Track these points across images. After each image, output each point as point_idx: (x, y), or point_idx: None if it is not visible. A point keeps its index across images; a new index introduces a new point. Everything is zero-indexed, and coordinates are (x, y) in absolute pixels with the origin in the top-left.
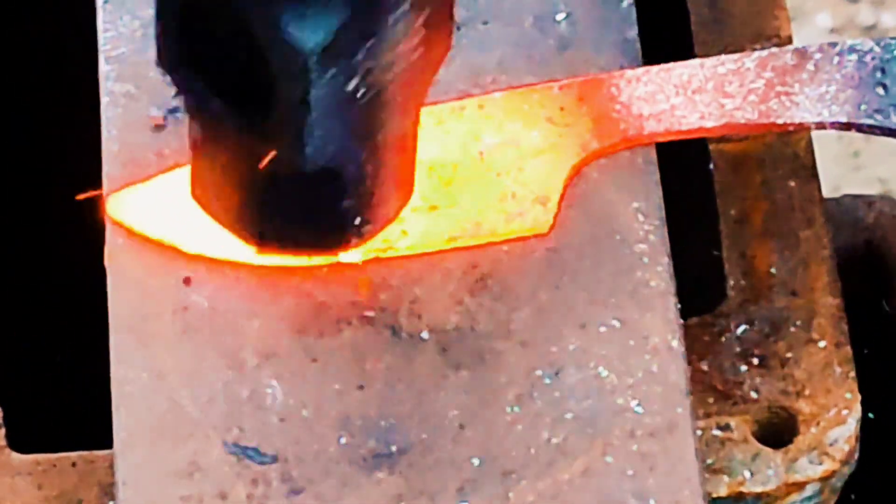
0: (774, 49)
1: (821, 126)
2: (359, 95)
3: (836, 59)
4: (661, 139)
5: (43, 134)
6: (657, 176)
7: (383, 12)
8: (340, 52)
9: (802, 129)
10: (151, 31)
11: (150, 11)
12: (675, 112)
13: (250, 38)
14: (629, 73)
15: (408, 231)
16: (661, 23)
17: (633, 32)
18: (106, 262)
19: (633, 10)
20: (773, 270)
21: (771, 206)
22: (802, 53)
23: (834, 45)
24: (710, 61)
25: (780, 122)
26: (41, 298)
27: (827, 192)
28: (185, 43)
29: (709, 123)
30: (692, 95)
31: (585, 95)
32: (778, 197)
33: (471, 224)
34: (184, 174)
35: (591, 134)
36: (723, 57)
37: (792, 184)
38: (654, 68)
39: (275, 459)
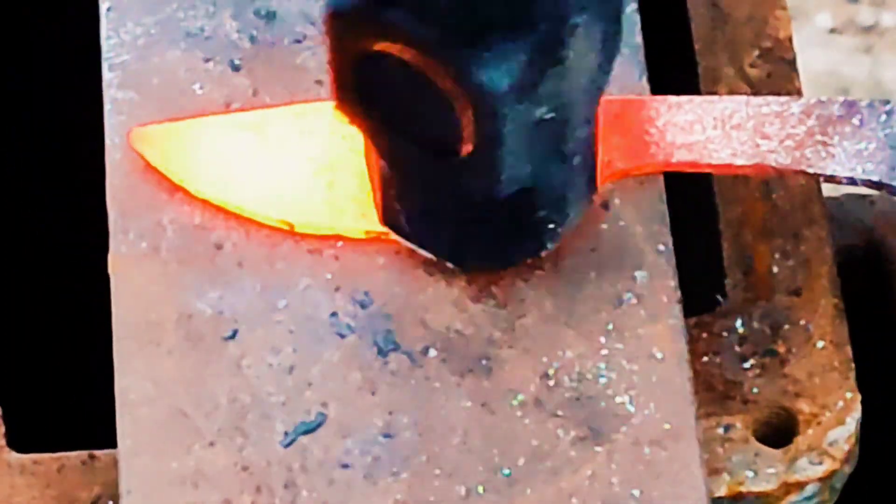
0: (823, 98)
1: (851, 182)
2: (547, 118)
3: (884, 116)
4: (686, 169)
5: (46, 141)
6: (661, 183)
7: (563, 42)
8: (527, 87)
9: (832, 181)
10: (154, 38)
11: (152, 18)
12: (708, 145)
13: (431, 84)
14: (672, 98)
15: None
16: (660, 23)
17: (637, 38)
18: (110, 270)
19: (638, 16)
20: (773, 270)
21: (771, 206)
22: (850, 106)
23: (886, 102)
24: (755, 100)
25: (811, 170)
26: (42, 300)
27: (827, 192)
28: (364, 90)
29: (739, 161)
30: (730, 130)
31: (623, 115)
32: (778, 197)
33: None
34: (210, 122)
35: (618, 153)
36: (769, 98)
37: (792, 184)
38: (698, 98)
39: (321, 423)
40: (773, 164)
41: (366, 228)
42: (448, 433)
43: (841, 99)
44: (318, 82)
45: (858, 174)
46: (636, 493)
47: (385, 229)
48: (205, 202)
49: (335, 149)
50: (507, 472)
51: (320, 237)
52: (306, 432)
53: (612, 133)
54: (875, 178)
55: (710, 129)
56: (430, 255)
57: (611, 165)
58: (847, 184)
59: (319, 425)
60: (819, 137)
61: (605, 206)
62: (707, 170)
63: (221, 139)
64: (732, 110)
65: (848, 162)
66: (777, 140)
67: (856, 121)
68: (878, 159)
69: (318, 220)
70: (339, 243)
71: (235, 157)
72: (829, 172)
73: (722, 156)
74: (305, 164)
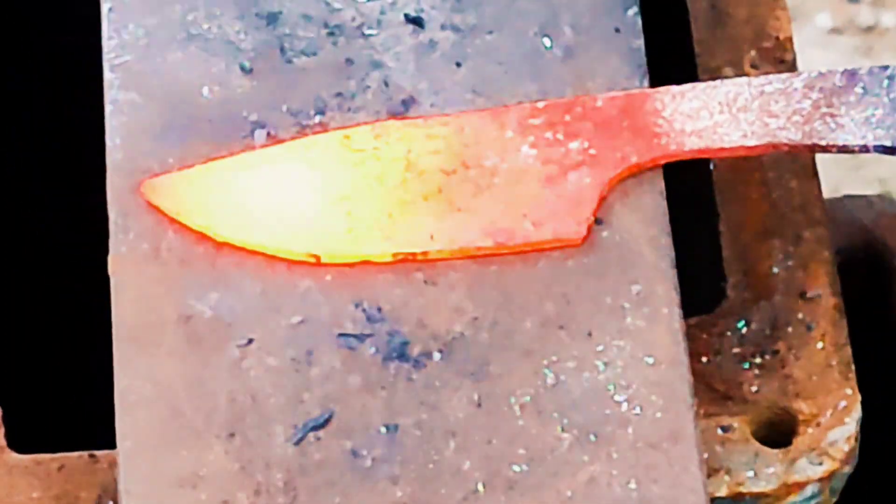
0: (824, 70)
1: (864, 149)
2: None
3: (886, 82)
4: (701, 156)
5: (46, 141)
6: (662, 186)
7: None
8: None
9: (845, 151)
10: (156, 39)
11: (154, 19)
12: (717, 129)
13: None
14: (675, 88)
15: (438, 236)
16: (660, 23)
17: (639, 42)
18: (110, 271)
19: (639, 20)
20: (773, 270)
21: (771, 206)
22: (851, 75)
23: (885, 68)
24: (757, 80)
25: (822, 143)
26: (42, 300)
27: (827, 192)
28: None
29: (750, 142)
30: (737, 113)
31: (629, 109)
32: (778, 197)
33: (504, 231)
34: (220, 165)
35: (631, 147)
36: (771, 76)
37: (792, 184)
38: (701, 84)
39: (330, 418)
40: (784, 140)
41: (392, 251)
42: (448, 435)
43: (841, 69)
44: (320, 93)
45: (870, 141)
46: (635, 494)
47: (413, 250)
48: (229, 245)
49: (348, 177)
50: (506, 473)
51: (348, 265)
52: (315, 428)
53: (620, 129)
54: (888, 143)
55: (717, 114)
56: None
57: (625, 161)
58: (860, 152)
59: (328, 420)
60: (825, 110)
61: (605, 208)
62: (720, 155)
63: (234, 181)
64: (736, 93)
65: (858, 130)
66: (784, 117)
67: (859, 89)
68: (888, 124)
69: (344, 249)
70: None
71: (251, 197)
72: (840, 143)
73: (733, 139)
74: (321, 195)
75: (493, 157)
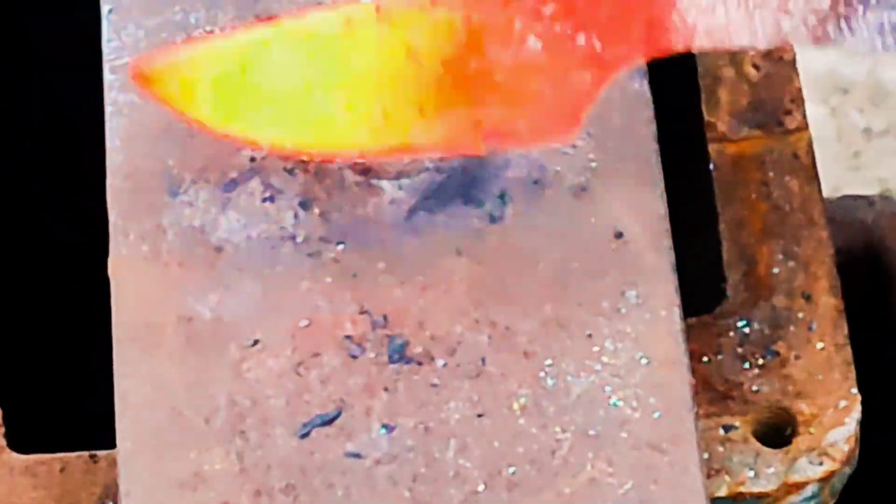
0: None
1: (873, 50)
2: None
3: None
4: (703, 51)
5: (46, 141)
6: (662, 186)
7: None
8: None
9: (854, 50)
10: (155, 41)
11: (154, 21)
12: (729, 28)
13: None
14: None
15: (431, 129)
16: None
17: None
18: (110, 273)
19: None
20: (773, 270)
21: (771, 206)
22: None
23: None
24: None
25: (832, 45)
26: (42, 300)
27: (827, 192)
28: None
29: (760, 43)
30: (752, 10)
31: (643, 2)
32: (778, 197)
33: (498, 126)
34: (215, 49)
35: (637, 44)
36: None
37: (792, 184)
38: None
39: (339, 414)
40: (794, 41)
41: (382, 143)
42: (448, 437)
43: None
44: None
45: (878, 47)
46: (635, 497)
47: (403, 142)
48: (225, 136)
49: (346, 66)
50: (506, 475)
51: (351, 266)
52: (324, 423)
53: (631, 23)
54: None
55: (732, 11)
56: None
57: (627, 59)
58: (869, 53)
59: (319, 430)
60: (843, 10)
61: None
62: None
63: (230, 68)
64: None
65: (868, 36)
66: (799, 16)
67: None
68: None
69: (334, 140)
70: (341, 247)
71: (246, 85)
72: (848, 48)
73: (742, 40)
74: (319, 84)
75: (497, 50)
